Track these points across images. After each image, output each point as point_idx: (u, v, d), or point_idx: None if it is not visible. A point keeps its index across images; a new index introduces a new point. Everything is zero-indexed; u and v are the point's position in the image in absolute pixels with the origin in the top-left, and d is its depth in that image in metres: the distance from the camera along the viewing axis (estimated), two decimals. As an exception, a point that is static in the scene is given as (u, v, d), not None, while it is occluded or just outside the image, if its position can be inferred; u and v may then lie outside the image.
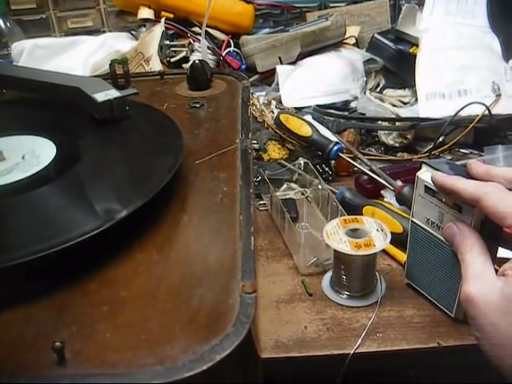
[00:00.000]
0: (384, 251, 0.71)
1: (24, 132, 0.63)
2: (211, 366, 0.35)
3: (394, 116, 1.02)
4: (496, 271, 0.48)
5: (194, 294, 0.41)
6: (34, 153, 0.58)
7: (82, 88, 0.66)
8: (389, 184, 0.79)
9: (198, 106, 0.73)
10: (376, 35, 1.19)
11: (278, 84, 1.12)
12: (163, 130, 0.62)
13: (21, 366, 0.37)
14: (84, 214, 0.49)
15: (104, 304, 0.41)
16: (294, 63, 1.17)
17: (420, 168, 0.58)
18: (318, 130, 0.92)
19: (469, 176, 0.52)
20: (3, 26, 1.18)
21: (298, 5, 1.35)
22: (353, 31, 1.27)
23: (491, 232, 0.50)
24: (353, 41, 1.26)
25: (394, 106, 1.08)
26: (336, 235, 0.63)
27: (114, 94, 0.65)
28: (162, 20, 1.19)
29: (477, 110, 0.94)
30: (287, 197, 0.84)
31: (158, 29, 1.15)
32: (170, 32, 1.21)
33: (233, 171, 0.57)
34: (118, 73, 0.77)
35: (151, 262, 0.45)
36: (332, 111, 1.05)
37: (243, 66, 1.19)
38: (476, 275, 0.47)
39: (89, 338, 0.38)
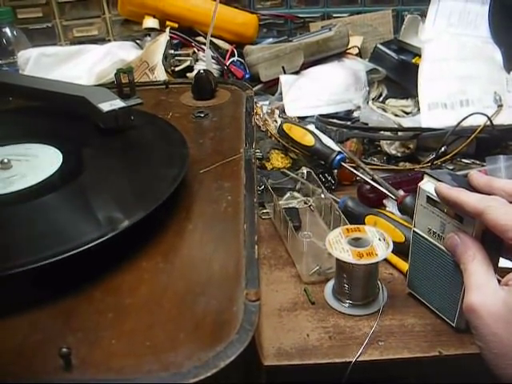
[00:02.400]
0: (386, 260, 0.71)
1: (30, 140, 0.63)
2: (215, 373, 0.35)
3: (396, 126, 1.02)
4: (498, 281, 0.48)
5: (198, 301, 0.42)
6: (39, 161, 0.59)
7: (88, 98, 0.67)
8: (391, 193, 0.80)
9: (202, 115, 0.73)
10: (379, 45, 1.20)
11: (281, 93, 1.13)
12: (168, 140, 0.63)
13: (27, 370, 0.38)
14: (88, 223, 0.50)
15: (110, 311, 0.42)
16: (297, 73, 1.18)
17: (422, 178, 0.59)
18: (320, 140, 0.92)
19: (470, 186, 0.52)
20: (10, 34, 1.19)
21: (301, 15, 1.37)
22: (356, 41, 1.28)
23: (492, 242, 0.51)
24: (356, 51, 1.27)
25: (396, 115, 1.08)
26: (338, 244, 0.64)
27: (118, 104, 0.65)
28: (167, 29, 1.20)
29: (479, 121, 0.94)
30: (290, 205, 0.84)
31: (163, 38, 1.16)
32: (175, 41, 1.22)
33: (237, 180, 0.58)
34: (123, 82, 0.78)
35: (156, 270, 0.46)
36: (335, 121, 1.06)
37: (247, 76, 1.20)
38: (479, 285, 0.48)
39: (95, 345, 0.39)
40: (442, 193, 0.53)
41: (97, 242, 0.44)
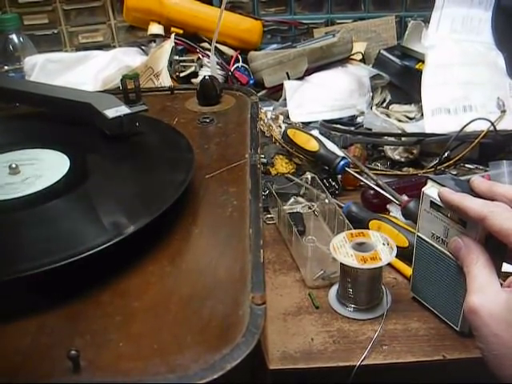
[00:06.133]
0: (390, 265, 0.72)
1: (37, 145, 0.64)
2: (222, 375, 0.36)
3: (399, 131, 1.03)
4: (501, 285, 0.49)
5: (204, 305, 0.42)
6: (47, 166, 0.59)
7: (93, 104, 0.67)
8: (395, 198, 0.80)
9: (207, 120, 0.74)
10: (382, 51, 1.21)
11: (285, 99, 1.14)
12: (174, 145, 0.63)
13: (36, 373, 0.38)
14: (96, 228, 0.50)
15: (117, 314, 0.42)
16: (301, 79, 1.19)
17: (425, 183, 0.59)
18: (324, 145, 0.93)
19: (473, 192, 0.53)
20: (16, 40, 1.20)
21: (305, 21, 1.38)
22: (359, 47, 1.28)
23: (495, 247, 0.51)
24: (359, 57, 1.27)
25: (399, 121, 1.09)
26: (343, 249, 0.64)
27: (124, 110, 0.66)
28: (172, 36, 1.21)
29: (482, 126, 0.95)
30: (294, 210, 0.85)
31: (168, 44, 1.17)
32: (180, 47, 1.23)
33: (242, 185, 0.58)
34: (129, 88, 0.78)
35: (163, 274, 0.46)
36: (339, 126, 1.06)
37: (251, 81, 1.21)
38: (481, 287, 0.48)
39: (102, 347, 0.39)
40: (445, 198, 0.54)
41: (104, 246, 0.45)
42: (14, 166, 0.58)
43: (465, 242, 0.53)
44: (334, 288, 0.69)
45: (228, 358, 0.37)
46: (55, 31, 1.39)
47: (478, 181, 0.53)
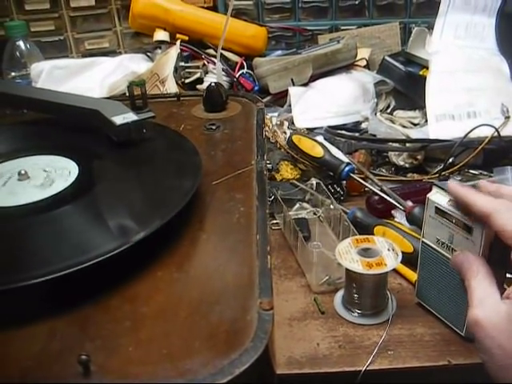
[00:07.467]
0: (395, 270, 0.72)
1: (45, 152, 0.64)
2: (231, 380, 0.36)
3: (404, 137, 1.03)
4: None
5: (213, 310, 0.43)
6: (56, 173, 0.60)
7: (101, 111, 0.68)
8: (399, 204, 0.80)
9: (213, 127, 0.74)
10: (386, 57, 1.21)
11: (290, 105, 1.14)
12: (181, 152, 0.64)
13: (47, 377, 0.38)
14: (105, 234, 0.51)
15: (127, 319, 0.43)
16: (306, 85, 1.19)
17: (430, 189, 0.60)
18: (329, 151, 0.93)
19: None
20: (23, 47, 1.20)
21: (309, 28, 1.38)
22: (364, 53, 1.29)
23: (499, 256, 0.51)
24: (364, 63, 1.28)
25: (404, 127, 1.09)
26: (348, 254, 0.65)
27: (131, 117, 0.66)
28: (178, 42, 1.21)
29: (486, 132, 0.95)
30: (300, 216, 0.85)
31: (174, 51, 1.18)
32: (185, 54, 1.24)
33: (249, 192, 0.58)
34: (135, 94, 0.79)
35: (171, 279, 0.47)
36: (343, 132, 1.07)
37: (256, 88, 1.22)
38: (481, 299, 0.48)
39: (112, 352, 0.40)
40: (453, 189, 0.54)
41: (114, 252, 0.45)
42: (23, 172, 0.59)
43: (466, 255, 0.53)
44: (340, 293, 0.70)
45: (236, 363, 0.37)
46: (61, 38, 1.40)
47: (485, 183, 0.53)
